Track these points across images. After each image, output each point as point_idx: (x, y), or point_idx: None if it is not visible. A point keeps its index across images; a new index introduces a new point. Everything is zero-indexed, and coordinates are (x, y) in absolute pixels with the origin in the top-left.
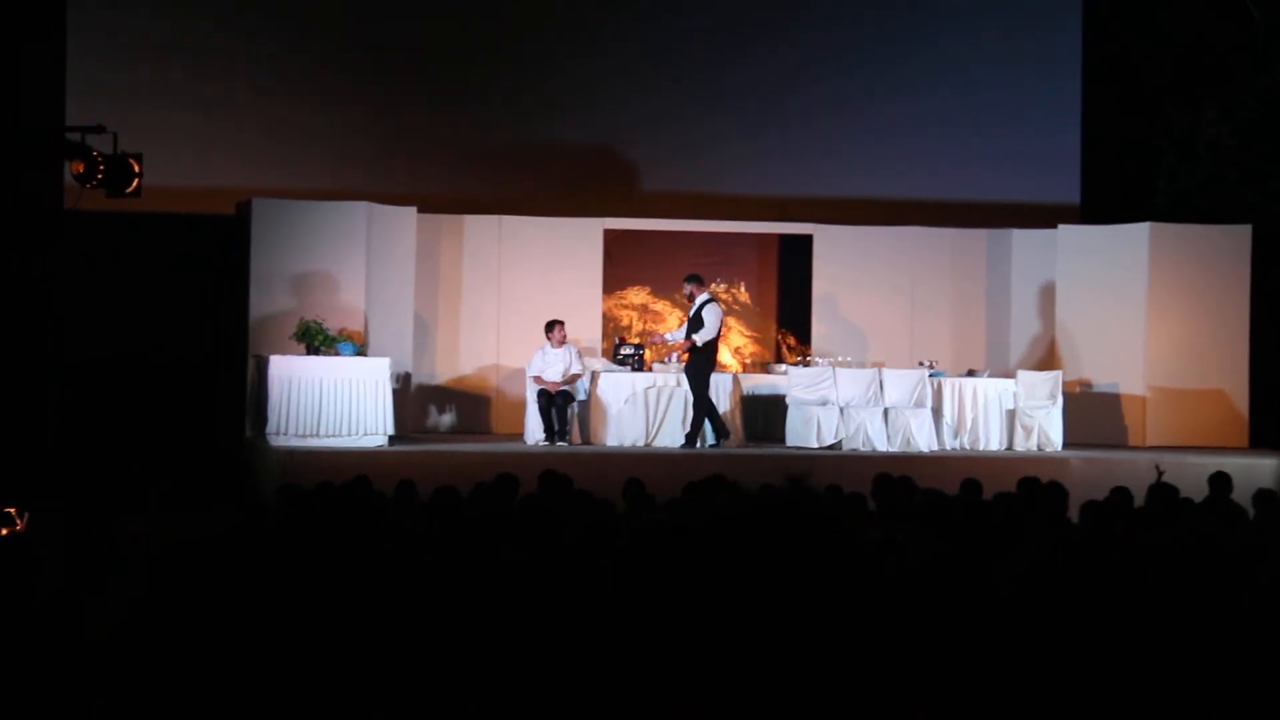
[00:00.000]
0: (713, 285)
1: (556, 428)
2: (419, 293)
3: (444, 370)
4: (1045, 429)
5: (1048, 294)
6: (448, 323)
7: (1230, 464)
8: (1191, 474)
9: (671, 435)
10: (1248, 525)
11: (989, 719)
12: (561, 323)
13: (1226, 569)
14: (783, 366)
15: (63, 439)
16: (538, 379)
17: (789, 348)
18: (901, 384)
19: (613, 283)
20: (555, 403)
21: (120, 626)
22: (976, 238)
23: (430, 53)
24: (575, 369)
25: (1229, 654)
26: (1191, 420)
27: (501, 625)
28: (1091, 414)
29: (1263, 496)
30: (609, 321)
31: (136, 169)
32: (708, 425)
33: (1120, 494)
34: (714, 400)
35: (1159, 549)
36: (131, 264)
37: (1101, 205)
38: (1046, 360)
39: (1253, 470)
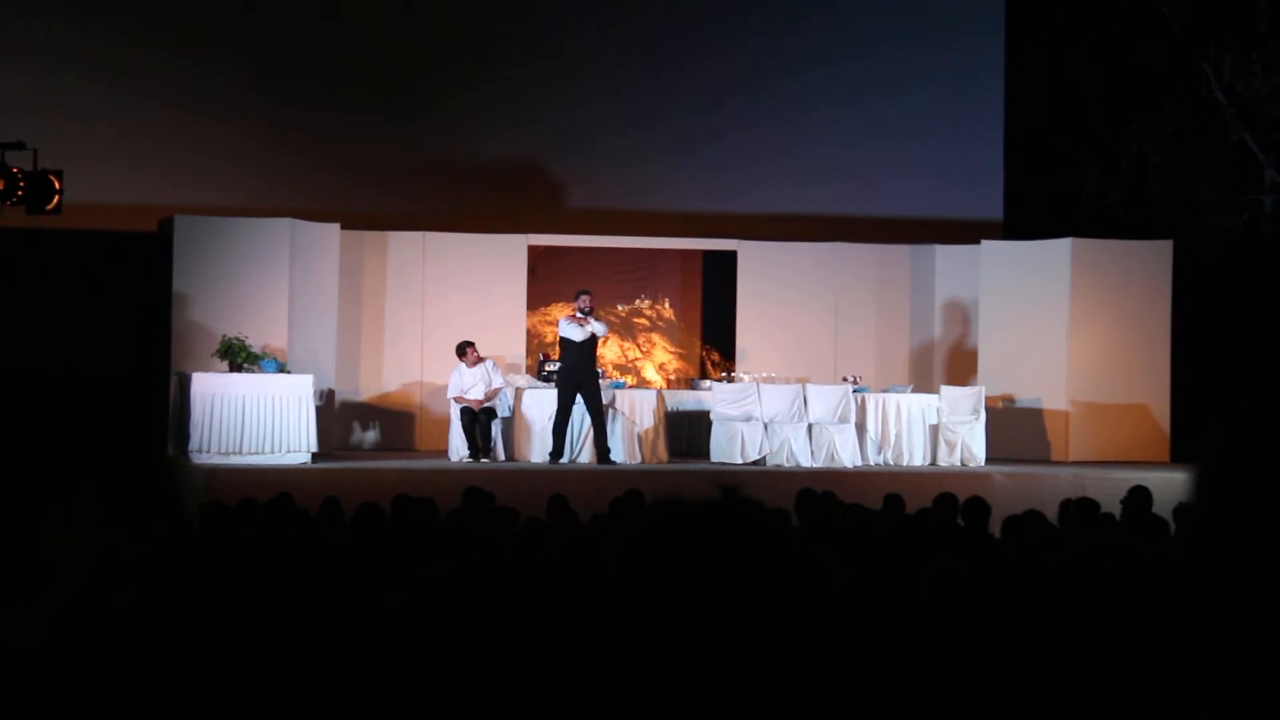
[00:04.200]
0: (637, 301)
1: (480, 445)
2: (343, 309)
3: (368, 387)
4: (968, 444)
5: (971, 309)
6: (371, 339)
7: (1152, 478)
8: (1114, 489)
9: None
10: (1168, 539)
11: None
12: (472, 344)
13: (1148, 582)
14: (707, 382)
15: None
16: (459, 399)
17: (713, 364)
18: (826, 399)
19: (537, 299)
20: (479, 420)
21: (42, 643)
22: (900, 253)
23: (354, 69)
24: (496, 383)
25: (1154, 668)
26: (1114, 435)
27: (429, 641)
28: (1014, 429)
29: (1183, 510)
30: (533, 338)
31: (57, 185)
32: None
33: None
34: (607, 418)
35: (1080, 563)
36: (53, 281)
37: (1025, 221)
38: (970, 376)
39: (1174, 485)
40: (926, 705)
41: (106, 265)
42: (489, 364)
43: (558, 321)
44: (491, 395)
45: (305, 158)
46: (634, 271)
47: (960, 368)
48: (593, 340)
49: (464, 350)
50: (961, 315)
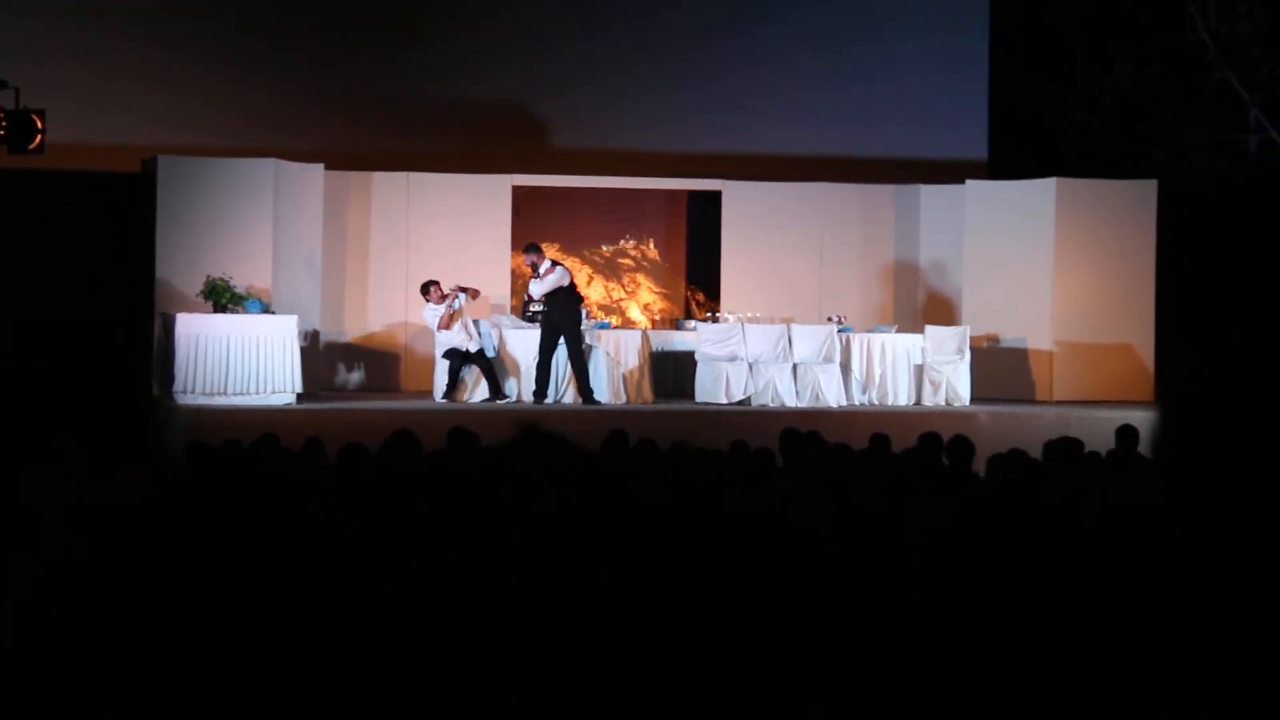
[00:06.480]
0: (621, 241)
1: (496, 387)
2: (327, 249)
3: (352, 327)
4: (953, 384)
5: (955, 249)
6: (356, 279)
7: (1135, 418)
8: (1098, 428)
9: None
10: (1153, 478)
11: (898, 674)
12: (436, 282)
13: (1135, 519)
14: (692, 323)
15: None
16: (444, 324)
17: (698, 304)
18: (810, 340)
19: (522, 239)
20: (478, 363)
21: (34, 586)
22: (885, 193)
23: (337, 7)
24: (455, 306)
25: (1140, 605)
26: (1098, 375)
27: (419, 581)
28: (999, 369)
29: (1156, 447)
30: (518, 278)
31: (40, 125)
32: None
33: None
34: (590, 357)
35: (1066, 500)
36: (35, 222)
37: (1009, 160)
38: (954, 315)
39: (1157, 424)
40: (911, 643)
41: (89, 206)
42: (455, 299)
43: None
44: (453, 317)
45: (289, 98)
46: (619, 212)
47: (945, 307)
48: (564, 288)
49: (427, 289)
50: (946, 255)
